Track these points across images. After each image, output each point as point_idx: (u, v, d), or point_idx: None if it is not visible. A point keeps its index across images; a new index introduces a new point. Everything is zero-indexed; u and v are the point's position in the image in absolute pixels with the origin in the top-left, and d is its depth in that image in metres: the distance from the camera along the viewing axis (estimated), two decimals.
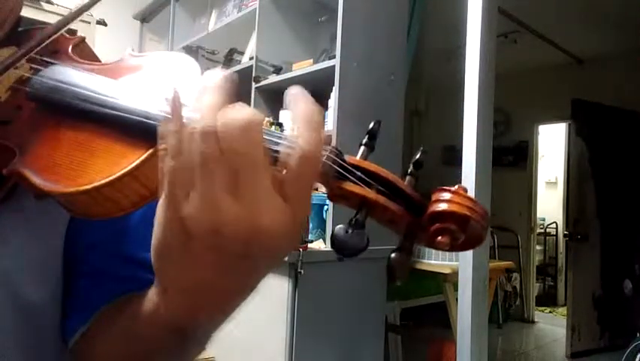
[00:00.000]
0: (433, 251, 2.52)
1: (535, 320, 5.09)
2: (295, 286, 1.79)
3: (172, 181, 0.27)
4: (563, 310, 5.12)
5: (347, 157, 0.31)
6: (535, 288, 5.24)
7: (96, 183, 0.33)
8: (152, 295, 0.34)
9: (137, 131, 0.34)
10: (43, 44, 0.43)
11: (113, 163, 0.34)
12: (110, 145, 0.35)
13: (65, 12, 2.66)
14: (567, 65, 4.59)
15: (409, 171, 0.32)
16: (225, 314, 0.34)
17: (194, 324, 0.33)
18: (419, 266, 2.48)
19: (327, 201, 1.97)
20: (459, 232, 0.28)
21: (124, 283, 0.45)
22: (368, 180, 0.30)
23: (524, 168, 5.06)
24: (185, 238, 0.27)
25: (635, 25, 3.58)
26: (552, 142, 6.12)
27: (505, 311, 4.86)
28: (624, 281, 3.97)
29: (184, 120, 0.27)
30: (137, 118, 0.34)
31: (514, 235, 5.00)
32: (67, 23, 0.44)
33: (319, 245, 1.94)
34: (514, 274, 4.91)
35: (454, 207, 0.28)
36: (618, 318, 4.00)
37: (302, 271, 1.76)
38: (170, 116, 0.28)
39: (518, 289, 5.02)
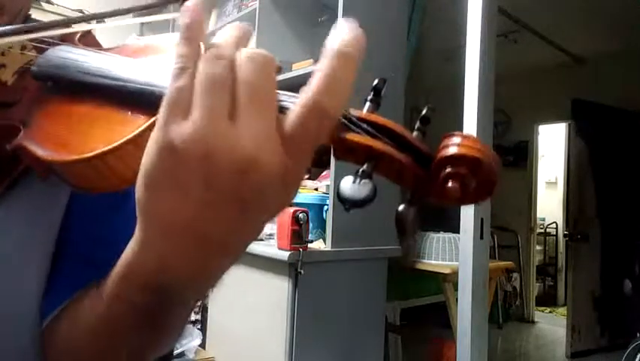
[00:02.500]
0: (433, 251, 2.52)
1: (535, 320, 5.09)
2: (295, 286, 1.78)
3: (174, 100, 0.27)
4: (563, 310, 5.12)
5: (353, 110, 0.30)
6: (535, 288, 5.24)
7: (98, 151, 0.33)
8: (131, 249, 0.32)
9: (139, 100, 0.34)
10: (46, 32, 0.43)
11: (115, 132, 0.34)
12: (112, 115, 0.35)
13: (65, 12, 2.66)
14: (567, 65, 4.59)
15: (417, 126, 0.31)
16: (207, 276, 0.32)
17: (174, 282, 0.31)
18: (419, 266, 2.48)
19: (327, 201, 1.97)
20: (470, 176, 0.27)
21: (105, 268, 0.44)
22: (375, 132, 0.29)
23: (524, 168, 5.06)
24: (173, 163, 0.26)
25: (635, 25, 3.58)
26: (552, 142, 6.13)
27: (505, 311, 4.86)
28: (624, 281, 3.97)
29: (201, 41, 0.28)
30: (139, 86, 0.34)
31: (514, 234, 5.00)
32: (73, 23, 0.45)
33: (319, 245, 1.94)
34: (514, 274, 4.92)
35: (464, 150, 0.27)
36: (618, 318, 4.00)
37: (302, 271, 1.76)
38: (186, 35, 0.28)
39: (518, 289, 5.03)
